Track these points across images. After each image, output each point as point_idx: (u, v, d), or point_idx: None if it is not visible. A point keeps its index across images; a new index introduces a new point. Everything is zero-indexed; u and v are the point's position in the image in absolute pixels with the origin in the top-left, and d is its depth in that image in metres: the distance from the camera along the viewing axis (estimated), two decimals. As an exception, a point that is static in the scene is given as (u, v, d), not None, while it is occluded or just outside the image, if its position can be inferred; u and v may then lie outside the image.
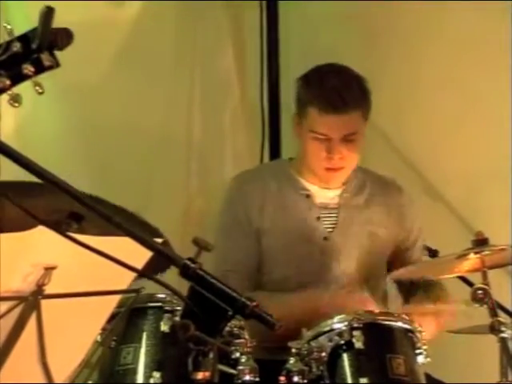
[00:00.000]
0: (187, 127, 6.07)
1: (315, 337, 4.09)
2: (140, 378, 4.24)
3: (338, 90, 4.54)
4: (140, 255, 2.78)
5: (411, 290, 4.64)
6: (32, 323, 2.79)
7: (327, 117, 4.48)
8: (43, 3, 4.20)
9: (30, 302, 2.81)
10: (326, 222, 4.74)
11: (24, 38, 2.84)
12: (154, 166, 5.86)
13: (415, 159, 6.02)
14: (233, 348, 3.98)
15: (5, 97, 2.72)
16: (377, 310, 4.14)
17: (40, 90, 2.80)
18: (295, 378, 4.05)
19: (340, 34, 6.10)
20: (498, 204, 5.30)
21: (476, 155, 5.94)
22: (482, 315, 4.33)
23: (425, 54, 6.14)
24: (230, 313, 2.52)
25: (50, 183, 2.52)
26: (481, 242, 4.56)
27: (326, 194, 4.77)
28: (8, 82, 2.80)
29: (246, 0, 6.43)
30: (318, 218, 4.71)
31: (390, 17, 6.01)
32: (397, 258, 4.69)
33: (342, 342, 4.13)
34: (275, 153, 5.97)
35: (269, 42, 6.21)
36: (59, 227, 2.82)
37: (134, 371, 4.34)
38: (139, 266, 2.81)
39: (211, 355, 2.98)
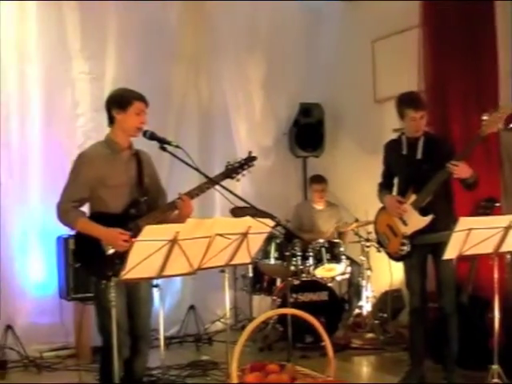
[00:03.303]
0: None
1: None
2: (272, 259, 6.99)
3: None
4: (269, 222, 4.21)
5: None
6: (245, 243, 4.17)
7: None
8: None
9: (244, 235, 4.13)
10: None
11: (248, 159, 4.41)
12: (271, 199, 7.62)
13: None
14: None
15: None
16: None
17: (242, 177, 4.40)
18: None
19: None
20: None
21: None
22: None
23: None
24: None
25: (250, 205, 4.07)
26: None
27: None
28: (241, 170, 4.34)
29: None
30: None
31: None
32: None
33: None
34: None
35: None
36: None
37: (269, 254, 6.98)
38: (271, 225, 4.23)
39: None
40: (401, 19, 7.25)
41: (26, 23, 6.84)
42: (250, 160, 4.43)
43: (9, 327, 6.53)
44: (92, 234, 4.18)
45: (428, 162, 5.11)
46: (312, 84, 8.48)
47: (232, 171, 4.38)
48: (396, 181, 5.43)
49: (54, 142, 6.92)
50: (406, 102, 5.14)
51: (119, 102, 4.35)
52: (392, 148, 5.38)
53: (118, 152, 4.38)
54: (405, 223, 5.19)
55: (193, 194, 4.33)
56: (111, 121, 4.41)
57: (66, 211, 4.26)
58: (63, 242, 6.44)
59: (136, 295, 4.39)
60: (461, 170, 4.84)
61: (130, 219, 4.25)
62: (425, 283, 5.26)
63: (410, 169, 5.20)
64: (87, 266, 4.31)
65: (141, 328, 4.43)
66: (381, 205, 5.47)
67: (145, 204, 4.38)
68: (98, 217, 4.27)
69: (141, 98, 4.37)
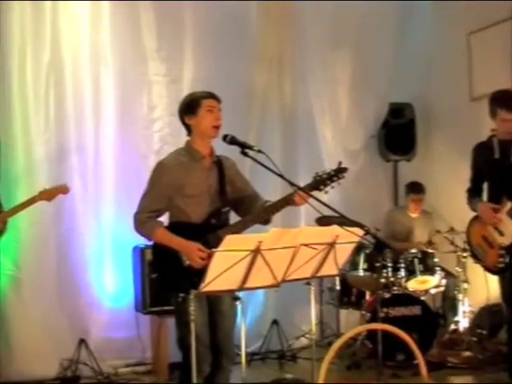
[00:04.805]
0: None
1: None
2: (361, 270, 6.93)
3: None
4: (358, 231, 4.06)
5: None
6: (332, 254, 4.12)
7: None
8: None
9: (331, 245, 4.06)
10: None
11: (338, 170, 4.16)
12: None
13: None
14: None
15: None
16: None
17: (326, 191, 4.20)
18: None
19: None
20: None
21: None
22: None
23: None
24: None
25: (338, 213, 3.88)
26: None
27: None
28: (330, 182, 4.13)
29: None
30: None
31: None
32: None
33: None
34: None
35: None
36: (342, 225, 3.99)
37: (358, 265, 6.91)
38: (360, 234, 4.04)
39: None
40: (499, 9, 7.13)
41: (100, 25, 6.91)
42: (340, 171, 4.28)
43: (82, 341, 6.55)
44: (170, 244, 4.20)
45: None
46: (402, 83, 8.35)
47: (320, 183, 4.25)
48: (486, 186, 5.35)
49: (129, 148, 6.98)
50: (499, 100, 5.12)
51: (188, 107, 4.37)
52: (482, 151, 5.32)
53: (197, 160, 4.39)
54: (501, 233, 5.11)
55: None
56: (188, 129, 4.43)
57: (143, 222, 4.28)
58: (139, 252, 6.50)
59: (218, 308, 4.38)
60: None
61: (211, 229, 4.24)
62: (523, 296, 5.14)
63: (502, 174, 5.14)
64: (165, 277, 4.32)
65: (223, 343, 4.42)
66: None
67: (227, 214, 4.39)
68: (177, 226, 4.29)
69: (209, 95, 4.37)
